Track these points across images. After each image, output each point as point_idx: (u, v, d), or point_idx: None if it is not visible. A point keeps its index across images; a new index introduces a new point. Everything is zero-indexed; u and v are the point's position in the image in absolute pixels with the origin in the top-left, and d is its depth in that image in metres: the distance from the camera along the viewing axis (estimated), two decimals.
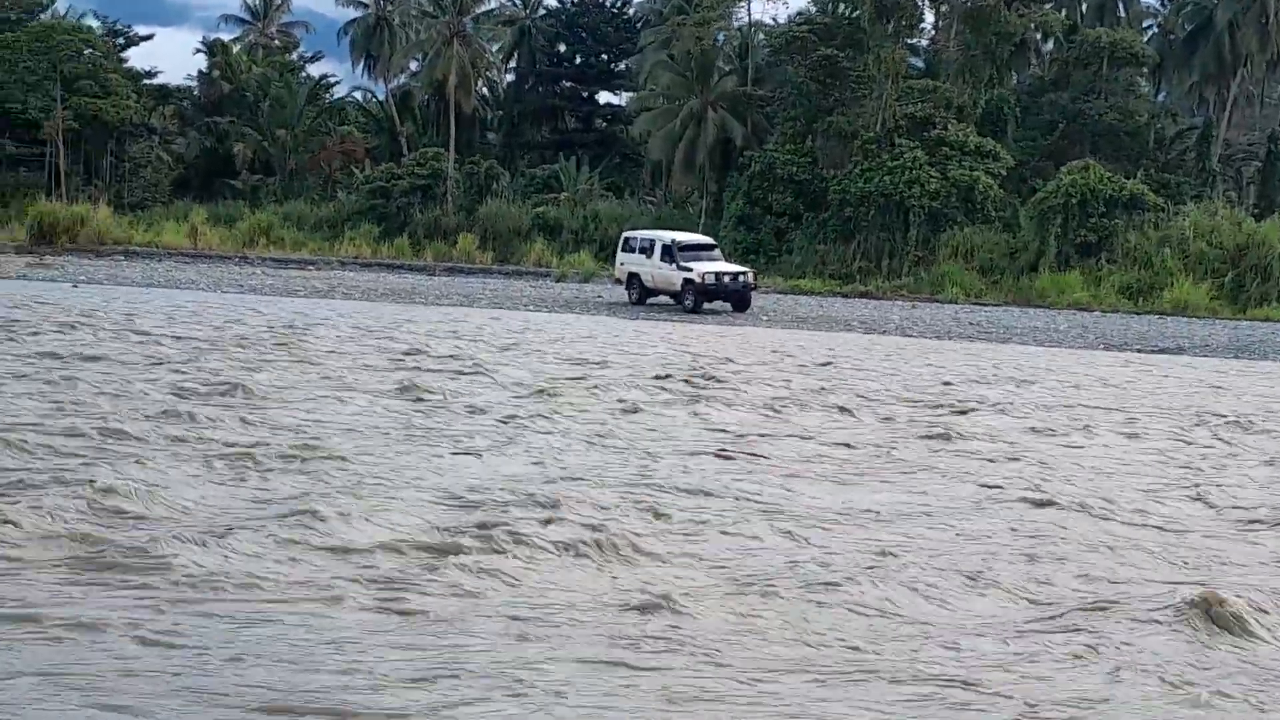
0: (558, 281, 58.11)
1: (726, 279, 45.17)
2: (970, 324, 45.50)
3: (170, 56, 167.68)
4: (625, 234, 49.99)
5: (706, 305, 45.31)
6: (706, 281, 44.77)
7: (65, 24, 76.55)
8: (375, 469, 13.40)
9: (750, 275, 46.44)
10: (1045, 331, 44.01)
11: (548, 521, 10.98)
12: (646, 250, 46.56)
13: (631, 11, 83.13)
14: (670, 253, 45.54)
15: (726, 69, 71.10)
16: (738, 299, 45.52)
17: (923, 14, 68.65)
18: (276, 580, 9.30)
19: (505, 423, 17.29)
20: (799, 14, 72.22)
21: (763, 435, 17.44)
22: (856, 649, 8.46)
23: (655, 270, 45.92)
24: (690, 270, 44.75)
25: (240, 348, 25.44)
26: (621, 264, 48.28)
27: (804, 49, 64.25)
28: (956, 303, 54.32)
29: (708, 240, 49.18)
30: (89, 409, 16.28)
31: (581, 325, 38.41)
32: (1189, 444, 18.75)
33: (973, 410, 21.15)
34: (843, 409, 20.60)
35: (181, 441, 14.32)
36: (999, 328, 44.67)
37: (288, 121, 76.80)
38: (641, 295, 46.69)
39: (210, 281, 49.57)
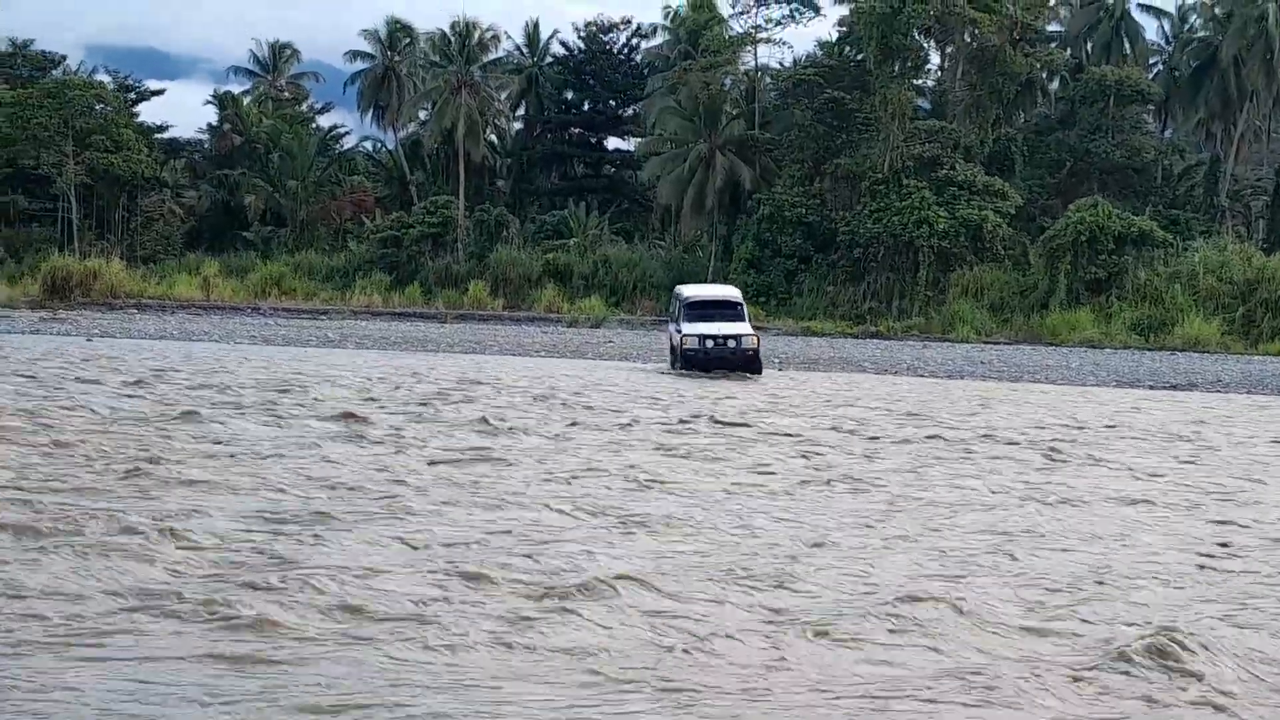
0: (569, 327, 58.26)
1: (710, 344, 36.91)
2: (982, 363, 45.51)
3: (180, 110, 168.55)
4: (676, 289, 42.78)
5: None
6: (687, 346, 37.09)
7: (77, 80, 77.10)
8: None
9: (754, 339, 37.65)
10: (1058, 369, 43.98)
11: None
12: (673, 307, 39.78)
13: (638, 58, 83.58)
14: (676, 311, 39.14)
15: (734, 113, 71.43)
16: (735, 366, 36.86)
17: (928, 55, 69.16)
18: None
19: None
20: (805, 57, 72.67)
21: None
22: None
23: (673, 330, 39.09)
24: (681, 332, 37.65)
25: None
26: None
27: (811, 92, 64.66)
28: (968, 342, 54.34)
29: (728, 296, 40.27)
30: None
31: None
32: None
33: None
34: None
35: None
36: (1011, 366, 44.66)
37: (298, 172, 77.23)
38: (674, 359, 38.79)
39: (223, 333, 49.73)
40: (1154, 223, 59.27)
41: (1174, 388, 39.36)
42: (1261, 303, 55.48)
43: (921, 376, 41.04)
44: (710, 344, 36.91)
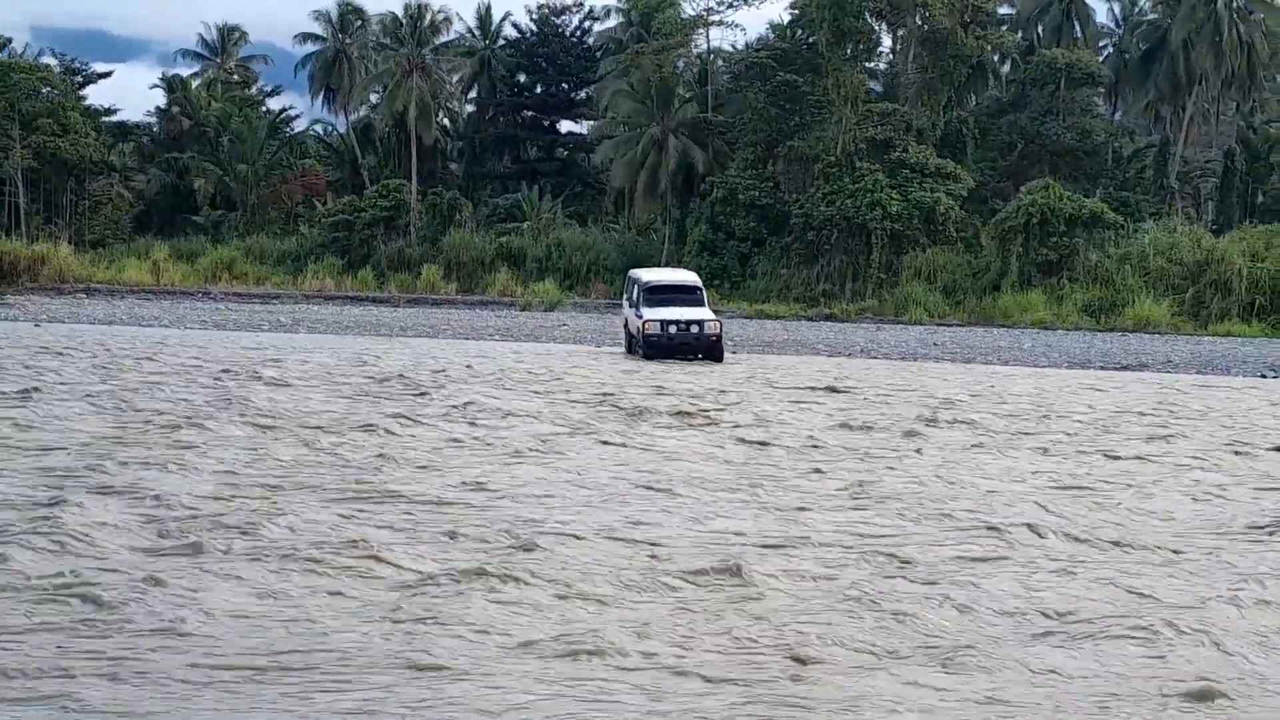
0: (522, 311, 58.05)
1: (673, 329, 36.80)
2: (935, 345, 45.67)
3: (128, 93, 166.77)
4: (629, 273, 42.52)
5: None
6: (649, 332, 36.87)
7: (23, 63, 75.99)
8: None
9: (716, 324, 37.51)
10: (1010, 350, 44.21)
11: None
12: (630, 292, 39.29)
13: (591, 41, 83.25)
14: (634, 295, 38.51)
15: (687, 96, 71.27)
16: (697, 352, 37.10)
17: (880, 38, 69.18)
18: None
19: None
20: (758, 40, 72.61)
21: None
22: None
23: (631, 315, 38.61)
24: (642, 318, 37.31)
25: None
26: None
27: (763, 74, 64.58)
28: (921, 324, 54.52)
29: (687, 281, 40.10)
30: None
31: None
32: None
33: None
34: None
35: None
36: (964, 348, 44.84)
37: (249, 156, 76.51)
38: (630, 344, 38.77)
39: (173, 318, 49.28)
40: (1104, 205, 59.60)
41: (1125, 368, 39.65)
42: (1210, 284, 55.89)
43: (876, 359, 41.16)
44: (673, 329, 36.67)
